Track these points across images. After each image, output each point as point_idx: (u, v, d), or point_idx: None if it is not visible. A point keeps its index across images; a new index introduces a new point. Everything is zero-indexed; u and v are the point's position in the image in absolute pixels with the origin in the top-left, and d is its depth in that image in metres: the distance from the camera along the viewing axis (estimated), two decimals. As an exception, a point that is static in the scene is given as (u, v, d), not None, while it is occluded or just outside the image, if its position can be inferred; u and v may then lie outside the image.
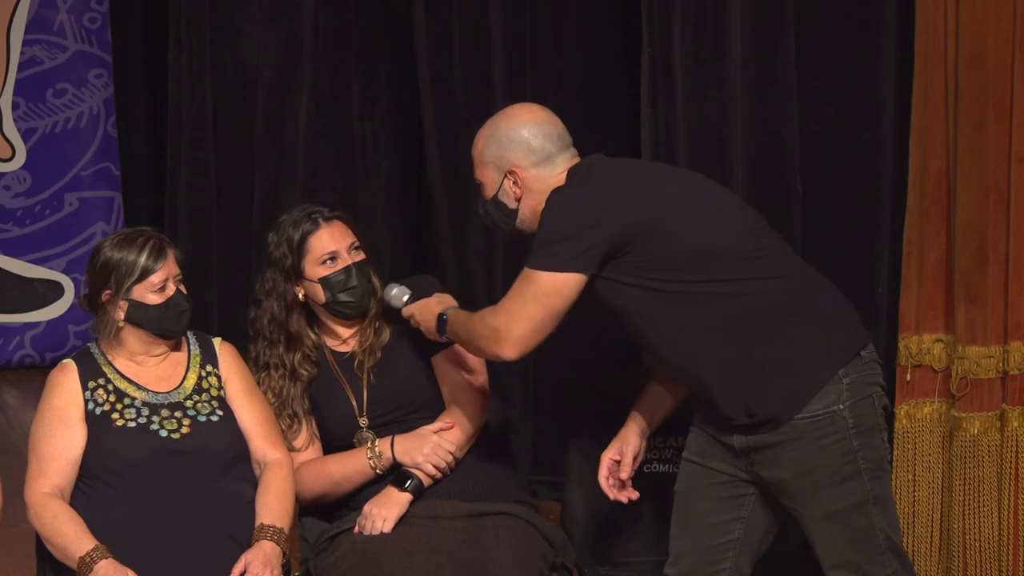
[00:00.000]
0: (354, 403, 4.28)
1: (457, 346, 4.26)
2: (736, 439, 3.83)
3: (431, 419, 4.25)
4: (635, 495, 4.06)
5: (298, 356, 4.29)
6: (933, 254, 4.44)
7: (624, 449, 4.05)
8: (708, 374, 3.78)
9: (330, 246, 4.25)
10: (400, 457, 4.20)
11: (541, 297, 3.72)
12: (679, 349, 3.79)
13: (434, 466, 4.17)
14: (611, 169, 3.87)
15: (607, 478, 4.05)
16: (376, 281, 4.31)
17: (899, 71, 4.60)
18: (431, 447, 4.19)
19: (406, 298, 4.19)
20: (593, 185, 3.78)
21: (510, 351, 3.75)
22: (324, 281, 4.25)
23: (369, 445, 4.23)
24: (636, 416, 4.08)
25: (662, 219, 3.75)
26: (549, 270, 3.72)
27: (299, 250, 4.25)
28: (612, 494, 4.06)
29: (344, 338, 4.34)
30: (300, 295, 4.29)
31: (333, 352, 4.33)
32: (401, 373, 4.29)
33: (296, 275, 4.27)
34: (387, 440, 4.22)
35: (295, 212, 4.31)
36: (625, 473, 4.05)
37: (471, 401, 4.26)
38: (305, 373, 4.28)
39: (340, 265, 4.26)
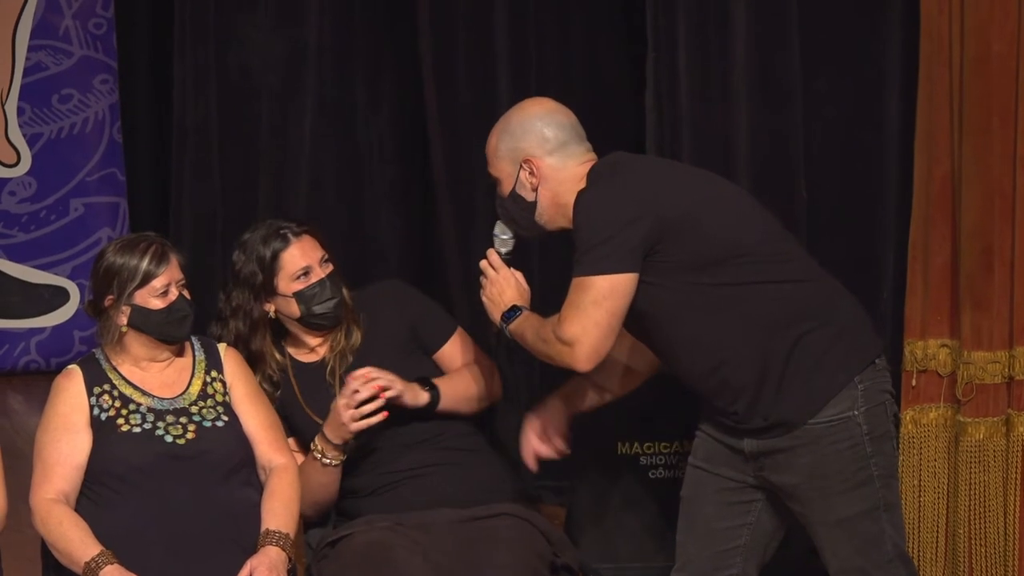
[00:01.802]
0: (310, 413, 4.27)
1: (456, 335, 4.32)
2: (747, 443, 3.82)
3: (404, 420, 4.23)
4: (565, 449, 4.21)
5: (258, 377, 4.28)
6: (938, 259, 4.44)
7: (546, 418, 4.21)
8: (732, 377, 3.76)
9: (302, 261, 4.26)
10: (333, 436, 4.16)
11: (602, 302, 3.68)
12: (704, 352, 3.77)
13: (357, 408, 4.10)
14: (638, 164, 3.86)
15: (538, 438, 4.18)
16: (345, 292, 4.31)
17: (904, 76, 4.60)
18: (342, 406, 4.12)
19: (505, 250, 4.06)
20: (623, 181, 3.75)
21: (585, 363, 3.73)
22: (299, 295, 4.26)
23: (312, 447, 4.22)
24: (556, 402, 4.20)
25: (694, 216, 3.73)
26: (601, 274, 3.67)
27: (271, 267, 4.26)
28: (546, 450, 4.20)
29: (313, 347, 4.35)
30: (271, 311, 4.29)
31: (299, 363, 4.34)
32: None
33: (267, 292, 4.27)
34: (319, 435, 4.20)
35: (261, 229, 4.31)
36: (559, 443, 4.19)
37: (481, 369, 4.32)
38: (265, 393, 4.27)
39: (313, 279, 4.27)
